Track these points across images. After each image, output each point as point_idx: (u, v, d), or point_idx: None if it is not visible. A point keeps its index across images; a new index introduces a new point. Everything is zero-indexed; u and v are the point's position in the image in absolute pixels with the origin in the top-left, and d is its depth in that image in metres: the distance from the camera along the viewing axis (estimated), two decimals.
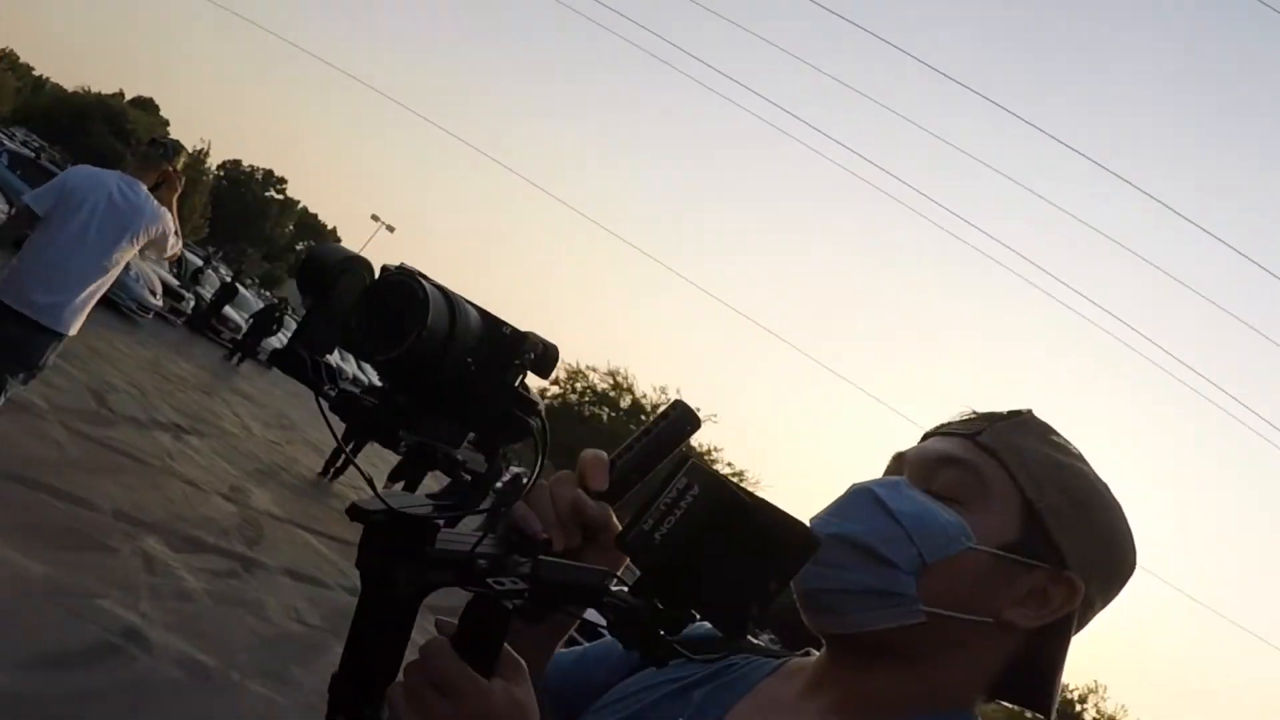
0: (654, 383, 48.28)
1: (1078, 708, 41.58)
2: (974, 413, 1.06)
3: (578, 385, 42.41)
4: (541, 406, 0.83)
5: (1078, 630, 1.02)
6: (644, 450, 0.91)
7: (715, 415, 42.20)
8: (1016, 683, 1.00)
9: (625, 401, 42.24)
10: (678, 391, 41.99)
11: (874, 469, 1.09)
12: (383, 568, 0.76)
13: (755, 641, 1.15)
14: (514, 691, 0.76)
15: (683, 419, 0.93)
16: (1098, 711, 42.23)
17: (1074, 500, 0.99)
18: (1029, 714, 1.02)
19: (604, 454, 0.92)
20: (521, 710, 0.76)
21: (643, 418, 41.08)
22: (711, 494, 0.72)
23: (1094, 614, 1.03)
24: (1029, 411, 1.05)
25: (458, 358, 0.78)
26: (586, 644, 1.18)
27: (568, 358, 46.93)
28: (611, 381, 42.37)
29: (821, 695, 1.00)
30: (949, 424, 1.06)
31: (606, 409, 42.35)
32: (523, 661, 0.78)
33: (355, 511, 0.77)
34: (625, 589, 0.76)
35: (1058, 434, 1.04)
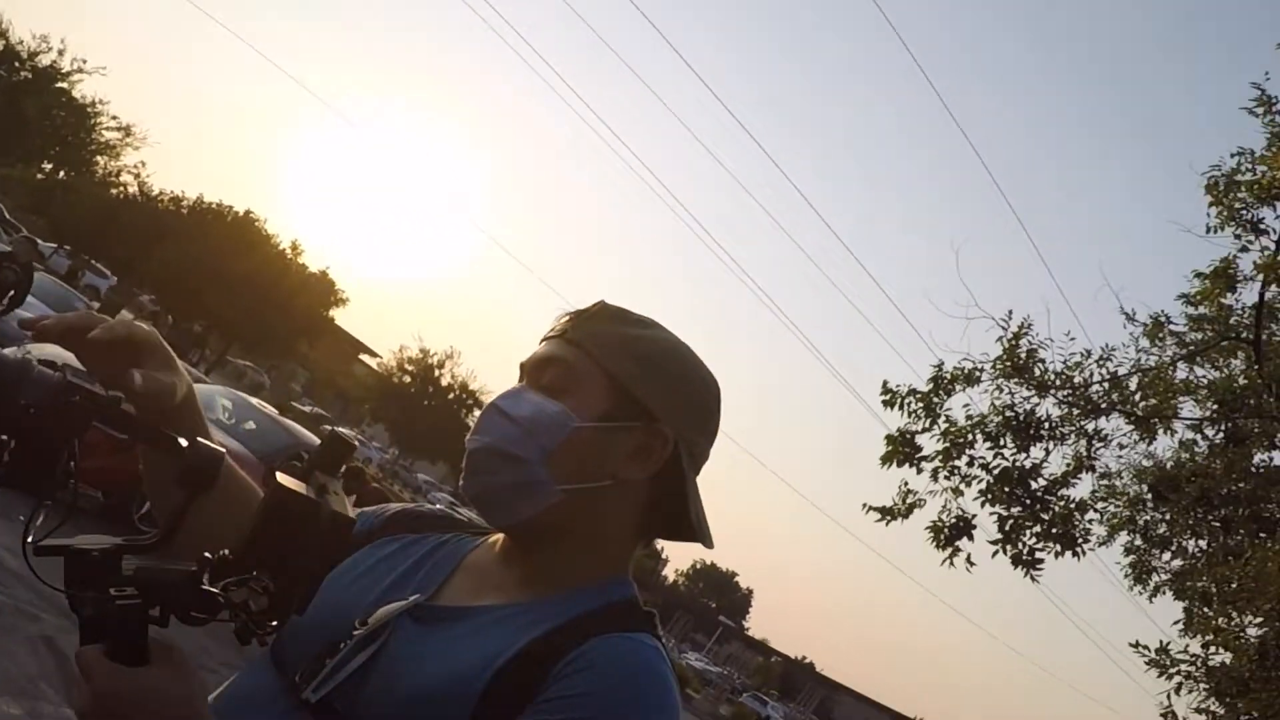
0: (34, 29, 42.97)
1: (436, 373, 46.84)
2: (566, 315, 1.23)
3: None
4: None
5: (697, 466, 1.22)
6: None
7: (105, 68, 39.29)
8: (659, 524, 1.22)
9: None
10: (62, 40, 38.63)
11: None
12: (69, 596, 0.93)
13: (462, 518, 1.35)
14: (149, 674, 0.90)
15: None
16: (453, 376, 47.94)
17: (646, 362, 1.18)
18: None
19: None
20: (153, 689, 0.90)
21: (16, 65, 37.54)
22: (272, 500, 0.93)
23: (704, 449, 1.24)
24: (601, 302, 1.23)
25: None
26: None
27: None
28: None
29: (514, 568, 1.18)
30: (550, 330, 1.23)
31: None
32: (174, 646, 0.93)
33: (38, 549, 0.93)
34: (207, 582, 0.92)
35: (628, 312, 1.23)
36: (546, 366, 1.20)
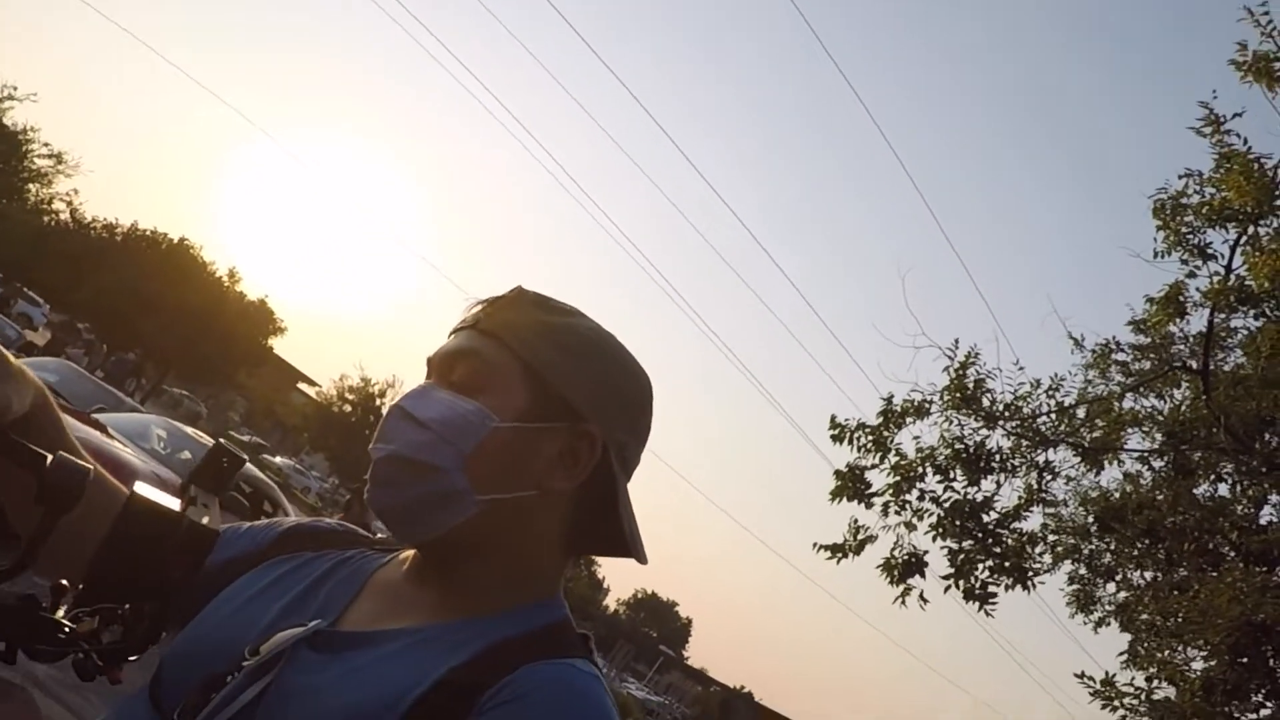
0: None
1: (378, 401, 46.35)
2: (479, 303, 1.09)
3: None
4: None
5: (628, 471, 1.08)
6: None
7: (35, 94, 38.50)
8: (589, 537, 1.07)
9: None
10: None
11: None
12: None
13: (364, 534, 1.21)
14: None
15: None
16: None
17: (569, 353, 1.04)
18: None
19: None
20: None
21: None
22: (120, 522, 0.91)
23: (635, 451, 1.09)
24: (518, 288, 1.09)
25: None
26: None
27: None
28: None
29: (429, 588, 1.04)
30: (461, 320, 1.09)
31: None
32: (15, 684, 1.09)
33: None
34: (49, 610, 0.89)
35: (549, 299, 1.09)
36: (457, 361, 1.05)
